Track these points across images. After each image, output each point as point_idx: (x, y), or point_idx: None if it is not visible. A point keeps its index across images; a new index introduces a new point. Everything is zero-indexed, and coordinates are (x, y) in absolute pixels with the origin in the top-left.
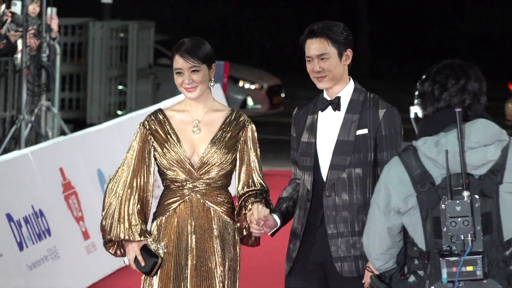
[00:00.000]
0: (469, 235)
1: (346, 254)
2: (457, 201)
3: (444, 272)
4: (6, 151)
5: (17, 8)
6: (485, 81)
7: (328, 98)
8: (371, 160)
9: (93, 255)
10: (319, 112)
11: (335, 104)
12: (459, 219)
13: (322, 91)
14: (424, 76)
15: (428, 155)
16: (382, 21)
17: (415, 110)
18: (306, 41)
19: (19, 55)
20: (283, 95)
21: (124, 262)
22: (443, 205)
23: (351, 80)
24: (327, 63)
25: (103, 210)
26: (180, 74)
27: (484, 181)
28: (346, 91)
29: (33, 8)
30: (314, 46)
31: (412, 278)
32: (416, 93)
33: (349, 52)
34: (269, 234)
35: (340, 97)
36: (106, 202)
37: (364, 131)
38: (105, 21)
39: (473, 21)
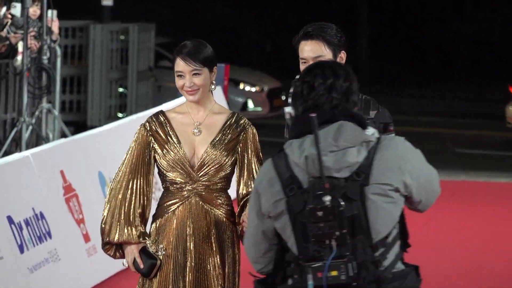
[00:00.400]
0: (333, 239)
1: None
2: (319, 206)
3: (310, 277)
4: (6, 153)
5: (16, 10)
6: (356, 80)
7: None
8: None
9: (94, 257)
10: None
11: None
12: (322, 224)
13: None
14: (297, 77)
15: (292, 159)
16: (382, 23)
17: (289, 111)
18: (300, 42)
19: (19, 57)
20: (283, 97)
21: (123, 264)
22: (306, 210)
23: None
24: None
25: (103, 211)
26: (181, 77)
27: (348, 184)
28: None
29: (34, 11)
30: (309, 48)
31: (290, 282)
32: (290, 92)
33: (342, 54)
34: None
35: None
36: (106, 203)
37: None
38: (106, 23)
39: (473, 23)
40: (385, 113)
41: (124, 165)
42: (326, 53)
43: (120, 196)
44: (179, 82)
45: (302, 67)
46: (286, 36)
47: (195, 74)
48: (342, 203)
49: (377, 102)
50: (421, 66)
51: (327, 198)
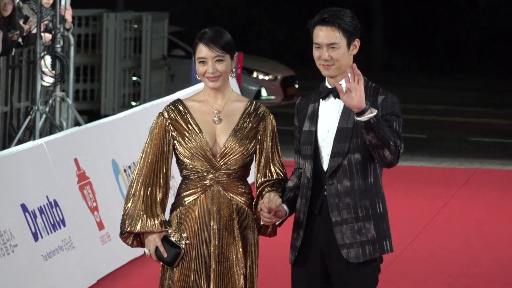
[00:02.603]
0: None
1: (352, 240)
2: None
3: None
4: (20, 142)
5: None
6: None
7: (330, 86)
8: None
9: (108, 245)
10: (321, 100)
11: (336, 92)
12: None
13: (324, 80)
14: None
15: None
16: (396, 15)
17: None
18: (315, 27)
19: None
20: (297, 86)
21: (145, 253)
22: None
23: None
24: (336, 52)
25: (126, 203)
26: (204, 63)
27: None
28: (347, 79)
29: None
30: (324, 34)
31: None
32: None
33: (356, 42)
34: (276, 224)
35: (341, 84)
36: (129, 194)
37: None
38: (119, 12)
39: (485, 14)
40: (393, 99)
41: (144, 155)
42: (340, 40)
43: (141, 186)
44: (200, 69)
45: (316, 52)
46: (300, 26)
47: (218, 60)
48: None
49: (390, 91)
50: (434, 57)
51: None
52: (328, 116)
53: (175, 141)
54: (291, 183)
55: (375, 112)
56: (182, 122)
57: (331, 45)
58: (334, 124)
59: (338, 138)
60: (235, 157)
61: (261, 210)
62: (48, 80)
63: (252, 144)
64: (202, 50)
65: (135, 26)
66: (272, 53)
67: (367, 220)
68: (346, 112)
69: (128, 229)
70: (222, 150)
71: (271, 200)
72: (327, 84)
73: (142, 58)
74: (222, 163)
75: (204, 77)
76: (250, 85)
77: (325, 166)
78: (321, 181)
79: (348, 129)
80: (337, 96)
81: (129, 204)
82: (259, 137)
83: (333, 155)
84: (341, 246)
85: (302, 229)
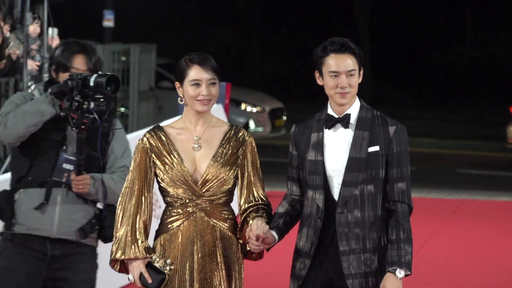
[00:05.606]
0: None
1: (357, 270)
2: None
3: None
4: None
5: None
6: None
7: (336, 116)
8: (382, 177)
9: None
10: (325, 129)
11: (345, 121)
12: None
13: (324, 108)
14: None
15: None
16: (383, 46)
17: None
18: (329, 55)
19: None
20: (284, 118)
21: (129, 280)
22: None
23: (357, 97)
24: (354, 80)
25: (114, 229)
26: (198, 85)
27: None
28: (354, 108)
29: (34, 29)
30: (344, 62)
31: None
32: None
33: (361, 71)
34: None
35: (350, 114)
36: (116, 220)
37: (376, 148)
38: (107, 44)
39: (474, 46)
40: (403, 128)
41: (128, 182)
42: (356, 68)
43: (127, 212)
44: (193, 92)
45: (332, 81)
46: (287, 61)
47: (212, 83)
48: None
49: None
50: (422, 89)
51: None
52: (337, 146)
53: (156, 168)
54: (282, 208)
55: (403, 271)
56: (163, 149)
57: (350, 72)
58: (344, 154)
59: (350, 168)
60: (217, 183)
61: (249, 238)
62: None
63: (233, 170)
64: (197, 72)
65: (123, 58)
66: (260, 86)
67: (373, 252)
68: (357, 142)
69: (113, 257)
70: (203, 177)
71: (258, 227)
72: (331, 112)
73: (130, 89)
74: (204, 190)
75: (195, 100)
76: (238, 117)
77: (335, 196)
78: (332, 210)
79: (361, 159)
80: (346, 126)
81: (116, 230)
82: (239, 162)
83: (345, 184)
84: (346, 275)
85: (308, 259)
